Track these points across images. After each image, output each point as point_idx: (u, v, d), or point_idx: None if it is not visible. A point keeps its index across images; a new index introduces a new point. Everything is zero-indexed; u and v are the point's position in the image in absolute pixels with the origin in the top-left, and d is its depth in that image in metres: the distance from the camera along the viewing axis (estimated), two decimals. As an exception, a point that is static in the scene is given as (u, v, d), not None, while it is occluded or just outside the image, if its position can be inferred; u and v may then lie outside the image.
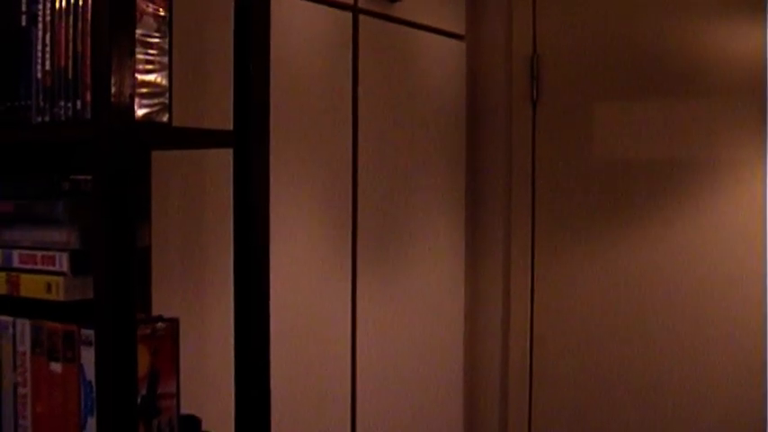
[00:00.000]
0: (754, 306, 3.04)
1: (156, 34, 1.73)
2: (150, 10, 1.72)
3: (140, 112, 1.70)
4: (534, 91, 3.30)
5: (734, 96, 3.06)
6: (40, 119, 1.74)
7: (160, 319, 1.82)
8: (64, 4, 1.70)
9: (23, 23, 1.76)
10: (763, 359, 3.02)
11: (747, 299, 3.05)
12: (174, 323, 1.81)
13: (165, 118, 1.76)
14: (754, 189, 3.04)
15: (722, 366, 3.12)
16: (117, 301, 1.59)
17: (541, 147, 3.30)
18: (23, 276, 1.79)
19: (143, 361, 1.72)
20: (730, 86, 3.07)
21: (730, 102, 3.07)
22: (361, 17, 2.80)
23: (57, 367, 1.75)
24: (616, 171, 3.23)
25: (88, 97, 1.66)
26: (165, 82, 1.75)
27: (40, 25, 1.73)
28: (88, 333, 1.69)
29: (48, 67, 1.73)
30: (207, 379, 2.22)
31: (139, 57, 1.69)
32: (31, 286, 1.77)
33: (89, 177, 1.73)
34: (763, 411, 3.04)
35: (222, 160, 1.92)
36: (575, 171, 3.27)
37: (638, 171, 3.20)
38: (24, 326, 1.80)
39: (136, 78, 1.67)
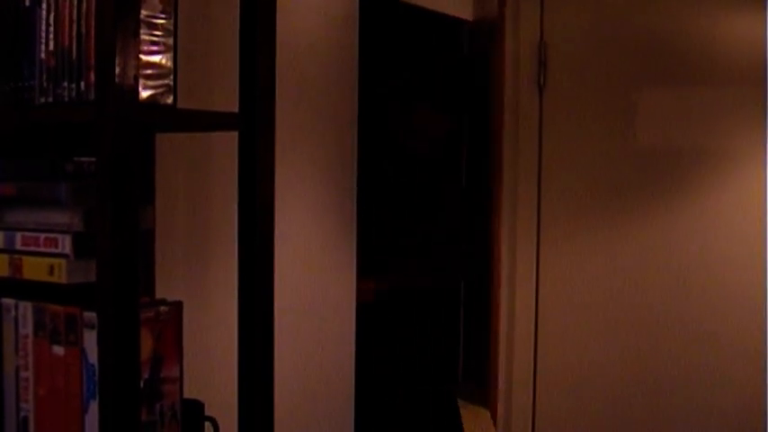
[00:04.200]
0: (756, 295, 3.06)
1: (162, 15, 1.72)
2: (155, -10, 1.71)
3: (144, 94, 1.69)
4: (541, 77, 3.29)
5: (735, 85, 3.08)
6: (43, 100, 1.72)
7: (163, 302, 1.80)
8: (68, -17, 1.68)
9: (27, 3, 1.74)
10: (764, 344, 3.03)
11: (749, 285, 3.07)
12: (177, 306, 1.80)
13: (170, 100, 1.74)
14: (755, 177, 3.05)
15: (725, 351, 3.13)
16: (120, 284, 1.57)
17: (548, 134, 3.30)
18: (26, 259, 1.77)
19: (146, 345, 1.70)
20: (732, 76, 3.10)
21: (732, 91, 3.09)
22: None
23: (59, 350, 1.73)
24: (621, 158, 3.23)
25: (92, 78, 1.64)
26: (169, 63, 1.73)
27: (44, 5, 1.71)
28: (91, 316, 1.67)
29: (51, 47, 1.71)
30: (210, 363, 2.20)
31: (144, 37, 1.68)
32: (34, 269, 1.76)
33: (92, 159, 1.72)
34: (763, 400, 3.05)
35: (227, 143, 1.91)
36: (580, 158, 3.27)
37: (643, 158, 3.21)
38: (27, 308, 1.79)
39: (140, 59, 1.65)
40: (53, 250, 1.74)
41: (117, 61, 1.55)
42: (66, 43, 1.68)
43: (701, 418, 3.18)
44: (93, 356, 1.67)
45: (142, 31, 1.67)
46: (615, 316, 3.26)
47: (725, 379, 3.15)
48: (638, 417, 3.26)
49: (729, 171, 3.11)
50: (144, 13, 1.67)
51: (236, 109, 1.85)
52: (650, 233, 3.20)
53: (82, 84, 1.66)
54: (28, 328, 1.78)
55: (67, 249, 1.73)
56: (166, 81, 1.73)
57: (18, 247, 1.80)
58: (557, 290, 3.32)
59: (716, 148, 3.12)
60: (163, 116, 1.76)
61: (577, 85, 3.27)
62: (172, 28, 1.74)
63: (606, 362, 3.29)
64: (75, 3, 1.67)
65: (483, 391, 3.46)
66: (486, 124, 3.42)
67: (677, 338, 3.20)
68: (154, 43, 1.71)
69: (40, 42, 1.72)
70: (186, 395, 1.85)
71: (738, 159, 3.09)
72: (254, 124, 1.83)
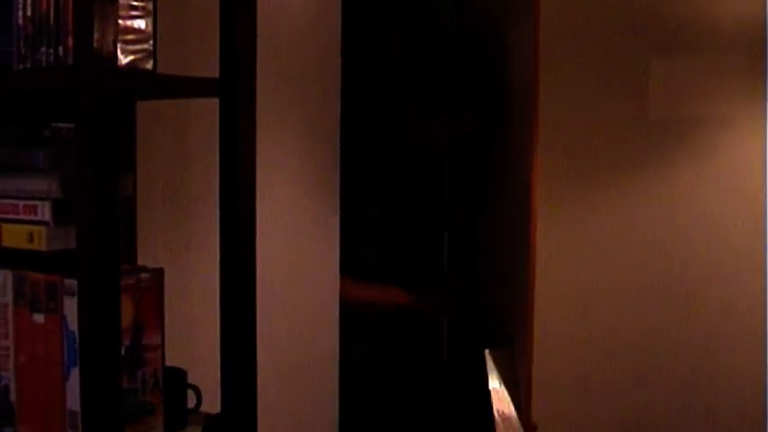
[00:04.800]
0: (755, 263, 3.09)
1: (140, -21, 1.70)
2: (134, -46, 1.69)
3: (124, 59, 1.67)
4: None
5: (735, 51, 3.09)
6: (21, 66, 1.70)
7: (144, 269, 1.79)
8: (45, -53, 1.66)
9: (3, -32, 1.72)
10: (764, 314, 3.06)
11: (748, 253, 3.09)
12: (158, 273, 1.79)
13: (150, 65, 1.72)
14: (754, 139, 3.08)
15: (723, 323, 3.16)
16: (100, 251, 1.56)
17: (550, 101, 3.29)
18: (5, 226, 1.76)
19: (127, 312, 1.69)
20: (731, 42, 3.10)
21: (731, 57, 3.10)
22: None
23: (39, 318, 1.72)
24: (620, 127, 3.24)
25: (70, 43, 1.62)
26: (149, 28, 1.72)
27: (21, -30, 1.70)
28: (71, 283, 1.66)
29: (29, 13, 1.69)
30: (192, 331, 2.20)
31: (122, 2, 1.66)
32: (13, 236, 1.75)
33: (71, 125, 1.70)
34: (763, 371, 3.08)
35: (208, 110, 1.89)
36: (580, 127, 3.27)
37: (641, 127, 3.21)
38: (6, 277, 1.77)
39: (119, 24, 1.63)
40: (32, 218, 1.73)
41: (95, 26, 1.54)
42: (44, 8, 1.67)
43: (705, 374, 3.22)
44: (73, 324, 1.66)
45: (121, -5, 1.65)
46: (617, 276, 3.28)
47: (725, 347, 3.18)
48: (640, 383, 3.29)
49: (730, 135, 3.14)
50: (122, -23, 1.66)
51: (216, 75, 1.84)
52: (649, 201, 3.22)
53: (60, 49, 1.64)
54: (8, 297, 1.77)
55: (47, 216, 1.71)
56: (146, 46, 1.71)
57: (-4, 214, 1.79)
58: (554, 255, 3.33)
59: (716, 114, 3.14)
60: (142, 81, 1.74)
61: (576, 54, 3.27)
62: (151, -8, 1.72)
63: (605, 327, 3.30)
64: (53, -33, 1.65)
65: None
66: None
67: (672, 307, 3.22)
68: (133, 8, 1.69)
69: (18, 8, 1.70)
70: (168, 363, 1.84)
71: (736, 125, 3.12)
72: (235, 90, 1.81)
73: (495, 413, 3.08)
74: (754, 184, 3.08)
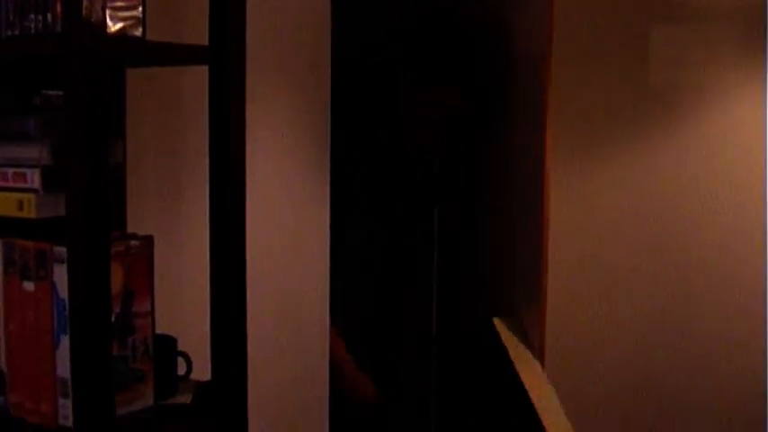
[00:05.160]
0: (754, 226, 3.17)
1: (129, -55, 1.69)
2: None
3: (113, 26, 1.67)
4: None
5: (735, 19, 3.11)
6: (9, 33, 1.69)
7: (134, 236, 1.79)
8: None
9: (-8, -66, 1.71)
10: (764, 279, 3.11)
11: (747, 217, 3.16)
12: (148, 240, 1.79)
13: (139, 32, 1.72)
14: (754, 106, 3.16)
15: (721, 289, 3.23)
16: (90, 218, 1.56)
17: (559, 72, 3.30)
18: (-6, 194, 1.76)
19: (116, 279, 1.69)
20: (731, 9, 3.12)
21: (732, 25, 3.13)
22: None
23: (29, 286, 1.72)
24: (625, 94, 3.25)
25: (59, 10, 1.61)
26: (138, -6, 1.71)
27: (9, -65, 1.69)
28: (61, 251, 1.66)
29: (17, -21, 1.68)
30: (182, 298, 2.20)
31: (111, -32, 1.65)
32: (3, 204, 1.74)
33: (61, 92, 1.70)
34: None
35: (201, 77, 1.89)
36: (586, 96, 3.29)
37: (646, 93, 3.24)
38: (-4, 244, 1.77)
39: (108, -10, 1.63)
40: (22, 185, 1.72)
41: (84, -8, 1.53)
42: (33, -26, 1.66)
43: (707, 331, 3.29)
44: (63, 291, 1.66)
45: (110, -40, 1.64)
46: (625, 243, 3.32)
47: (722, 310, 3.25)
48: (647, 347, 3.32)
49: (729, 101, 3.18)
50: (111, -58, 1.65)
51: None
52: (654, 165, 3.26)
53: (49, 16, 1.63)
54: (-2, 264, 1.77)
55: (36, 184, 1.71)
56: (135, 13, 1.71)
57: (-14, 182, 1.78)
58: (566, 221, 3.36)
59: (716, 82, 3.17)
60: (131, 48, 1.74)
61: (589, 26, 3.28)
62: (140, -43, 1.71)
63: (616, 296, 3.35)
64: (41, -68, 1.64)
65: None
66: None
67: (671, 273, 3.27)
68: (122, -26, 1.68)
69: (6, -26, 1.70)
70: (158, 331, 1.84)
71: (737, 92, 3.15)
72: (224, 58, 1.81)
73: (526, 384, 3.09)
74: (753, 139, 3.15)
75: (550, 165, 3.14)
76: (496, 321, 3.29)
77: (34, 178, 1.71)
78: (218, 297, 1.87)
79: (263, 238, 2.45)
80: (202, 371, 1.94)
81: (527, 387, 3.04)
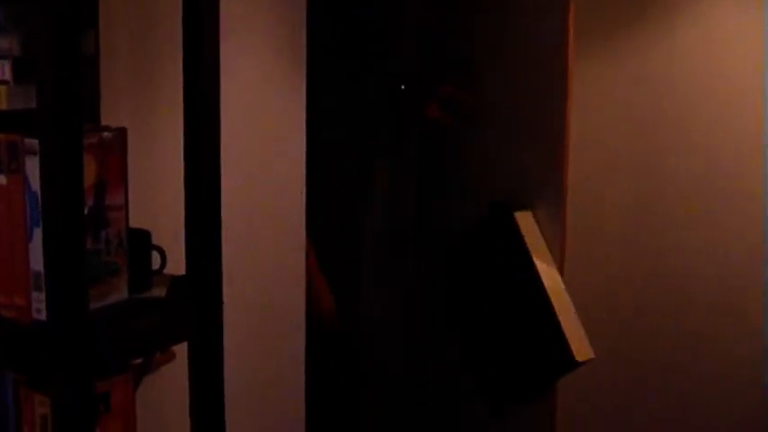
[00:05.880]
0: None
1: None
2: None
3: None
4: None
5: None
6: None
7: (107, 128, 1.77)
8: None
9: None
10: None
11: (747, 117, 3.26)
12: (121, 132, 1.77)
13: None
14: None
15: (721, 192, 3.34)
16: (61, 110, 1.54)
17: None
18: (-36, 85, 1.73)
19: (89, 171, 1.67)
20: None
21: None
22: None
23: (1, 179, 1.70)
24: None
25: None
26: None
27: None
28: (32, 143, 1.64)
29: None
30: (156, 192, 2.19)
31: None
32: (-27, 95, 1.72)
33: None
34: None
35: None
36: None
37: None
38: (-34, 136, 1.75)
39: None
40: (-8, 76, 1.70)
41: None
42: None
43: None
44: (35, 184, 1.64)
45: None
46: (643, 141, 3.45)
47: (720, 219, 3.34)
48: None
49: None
50: None
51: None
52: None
53: None
54: (-32, 157, 1.75)
55: (7, 75, 1.69)
56: None
57: (-44, 73, 1.76)
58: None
59: None
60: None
61: None
62: None
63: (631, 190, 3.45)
64: None
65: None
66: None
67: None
68: None
69: None
70: (132, 224, 1.83)
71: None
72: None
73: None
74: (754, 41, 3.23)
75: (573, 54, 3.16)
76: (517, 215, 3.26)
77: (5, 69, 1.69)
78: (192, 191, 1.85)
79: (237, 131, 2.43)
80: (177, 265, 1.94)
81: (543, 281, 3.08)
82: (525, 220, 3.22)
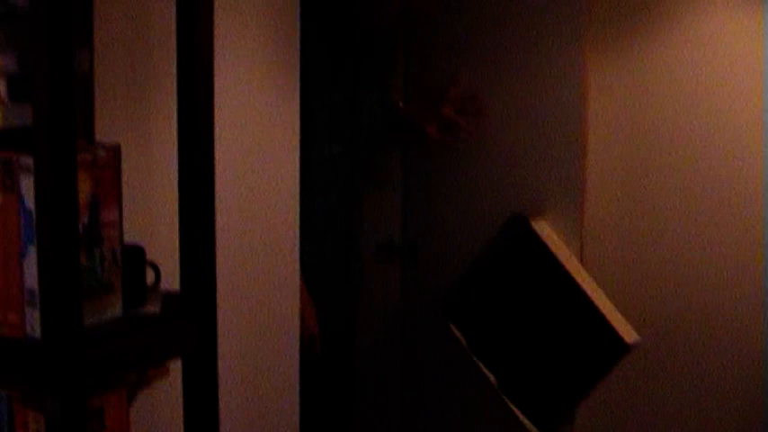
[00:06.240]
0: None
1: None
2: None
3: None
4: None
5: None
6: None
7: (102, 146, 1.78)
8: None
9: None
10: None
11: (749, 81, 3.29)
12: (115, 150, 1.78)
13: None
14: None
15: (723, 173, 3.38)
16: (56, 128, 1.55)
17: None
18: (-40, 103, 1.74)
19: (84, 188, 1.68)
20: None
21: None
22: None
23: (-4, 196, 1.71)
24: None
25: None
26: None
27: None
28: (27, 161, 1.64)
29: None
30: (151, 209, 2.19)
31: None
32: (-32, 113, 1.73)
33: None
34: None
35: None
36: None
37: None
38: (-38, 154, 1.75)
39: None
40: (-13, 94, 1.71)
41: None
42: None
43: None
44: (30, 202, 1.65)
45: None
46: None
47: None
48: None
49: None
50: None
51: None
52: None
53: None
54: (-36, 174, 1.76)
55: (2, 93, 1.69)
56: None
57: (-49, 91, 1.76)
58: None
59: None
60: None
61: None
62: None
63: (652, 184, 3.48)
64: None
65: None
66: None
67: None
68: None
69: None
70: (127, 240, 1.84)
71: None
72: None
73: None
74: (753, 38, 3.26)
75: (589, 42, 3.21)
76: (534, 222, 3.27)
77: (0, 87, 1.69)
78: (186, 206, 1.86)
79: (231, 147, 2.44)
80: (171, 281, 1.95)
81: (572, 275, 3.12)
82: (542, 228, 3.26)
